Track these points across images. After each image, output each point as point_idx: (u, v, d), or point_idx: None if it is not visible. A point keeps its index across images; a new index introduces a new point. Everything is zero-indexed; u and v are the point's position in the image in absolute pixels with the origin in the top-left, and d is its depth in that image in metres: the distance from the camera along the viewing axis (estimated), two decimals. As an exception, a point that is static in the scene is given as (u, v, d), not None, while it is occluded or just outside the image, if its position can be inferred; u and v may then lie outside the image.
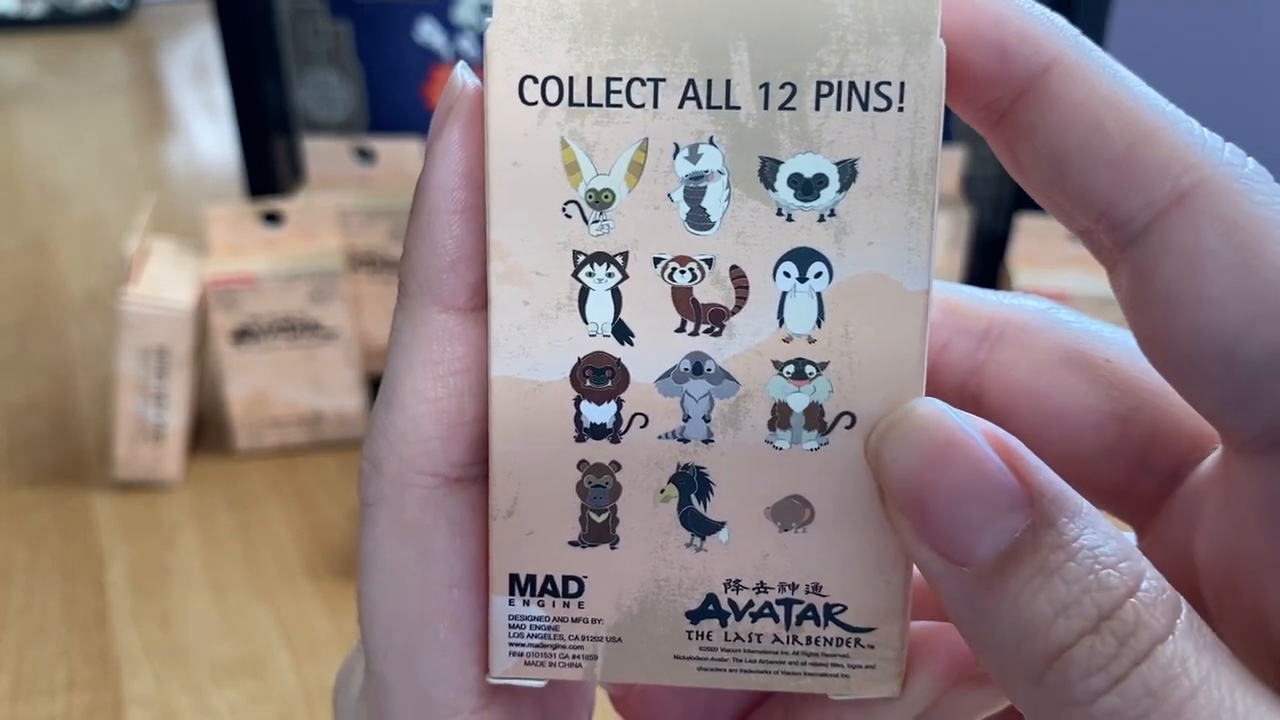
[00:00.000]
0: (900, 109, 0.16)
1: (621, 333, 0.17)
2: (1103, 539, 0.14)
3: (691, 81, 0.16)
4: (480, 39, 0.69)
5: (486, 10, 0.68)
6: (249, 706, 0.50)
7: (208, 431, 0.69)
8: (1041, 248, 0.64)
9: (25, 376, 0.76)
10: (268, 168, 0.69)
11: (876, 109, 0.16)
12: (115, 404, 0.63)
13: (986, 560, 0.15)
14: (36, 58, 1.42)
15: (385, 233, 0.68)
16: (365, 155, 0.70)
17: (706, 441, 0.17)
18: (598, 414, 0.17)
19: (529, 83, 0.16)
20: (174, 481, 0.65)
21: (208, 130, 1.19)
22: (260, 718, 0.50)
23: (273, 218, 0.66)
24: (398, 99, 0.71)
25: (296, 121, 0.72)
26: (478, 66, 0.16)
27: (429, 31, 0.69)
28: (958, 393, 0.19)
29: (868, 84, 0.16)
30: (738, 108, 0.16)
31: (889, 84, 0.16)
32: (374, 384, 0.70)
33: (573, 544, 0.18)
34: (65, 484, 0.65)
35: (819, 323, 0.17)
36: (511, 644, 0.18)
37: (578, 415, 0.17)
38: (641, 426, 0.17)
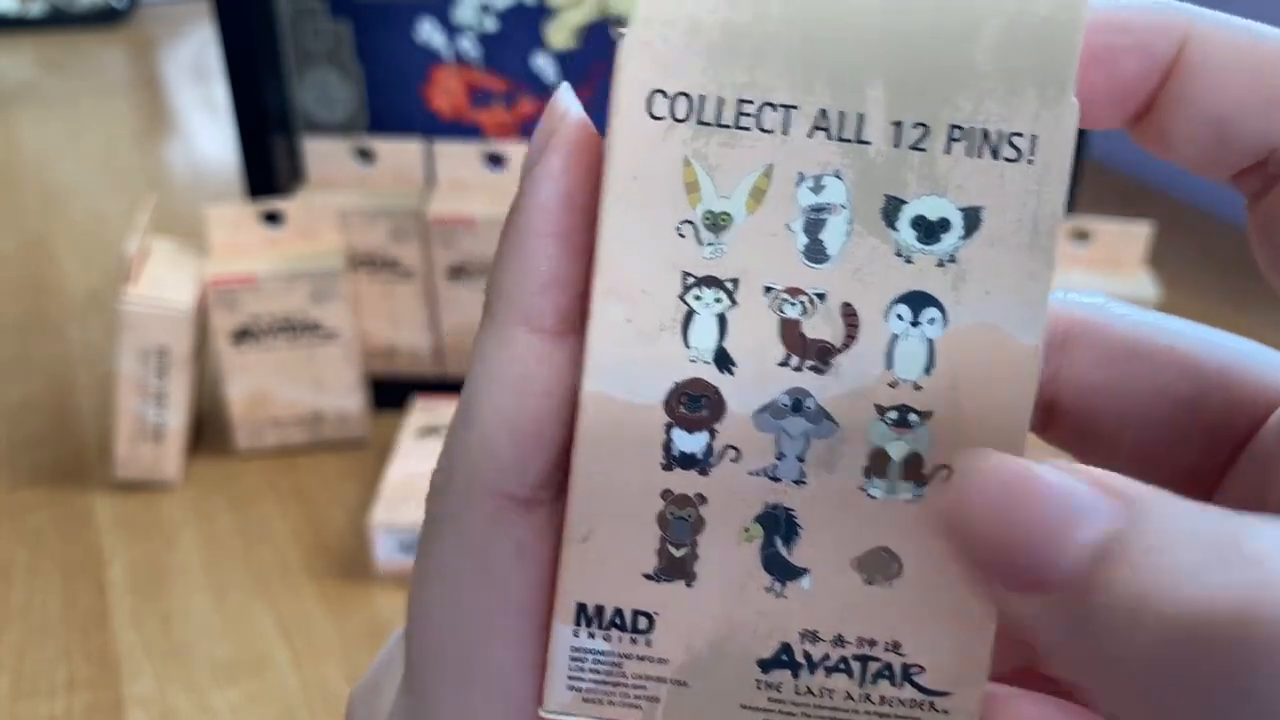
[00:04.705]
0: (1030, 161, 0.16)
1: (723, 361, 0.16)
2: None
3: (824, 111, 0.16)
4: (482, 41, 0.69)
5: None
6: (249, 706, 0.50)
7: (208, 431, 0.69)
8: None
9: (25, 376, 0.76)
10: (268, 168, 0.69)
11: (1007, 159, 0.16)
12: (115, 404, 0.63)
13: (1082, 560, 0.13)
14: (36, 58, 1.42)
15: (385, 233, 0.68)
16: (365, 155, 0.70)
17: (798, 482, 0.16)
18: (688, 443, 0.16)
19: (658, 97, 0.16)
20: (174, 481, 0.65)
21: (208, 130, 1.19)
22: (260, 718, 0.50)
23: (273, 218, 0.66)
24: (398, 99, 0.71)
25: (296, 121, 0.72)
26: (583, 89, 0.15)
27: (429, 31, 0.69)
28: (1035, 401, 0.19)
29: (1000, 133, 0.16)
30: (868, 143, 0.16)
31: (1021, 135, 0.16)
32: (374, 384, 0.70)
33: (647, 577, 0.17)
34: (65, 484, 0.65)
35: (928, 370, 0.16)
36: (570, 677, 0.17)
37: (667, 442, 0.16)
38: (733, 460, 0.16)
